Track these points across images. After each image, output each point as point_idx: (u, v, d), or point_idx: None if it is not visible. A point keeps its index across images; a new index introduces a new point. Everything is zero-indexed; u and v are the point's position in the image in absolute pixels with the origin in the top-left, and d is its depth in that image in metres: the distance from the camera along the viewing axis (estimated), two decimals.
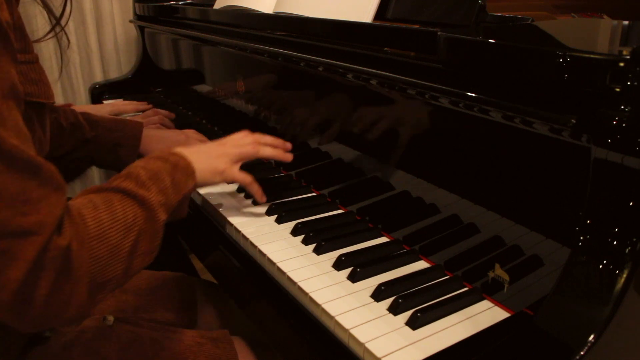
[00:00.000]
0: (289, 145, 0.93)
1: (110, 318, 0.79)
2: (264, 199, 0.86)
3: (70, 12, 0.70)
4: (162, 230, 0.67)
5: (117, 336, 0.78)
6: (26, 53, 0.60)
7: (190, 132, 1.16)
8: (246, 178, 0.84)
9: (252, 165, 1.11)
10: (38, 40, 0.68)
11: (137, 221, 0.63)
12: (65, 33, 0.74)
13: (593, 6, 1.04)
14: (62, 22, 0.70)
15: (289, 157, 0.91)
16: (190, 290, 1.00)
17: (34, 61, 0.61)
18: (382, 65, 0.78)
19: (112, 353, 0.77)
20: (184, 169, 0.74)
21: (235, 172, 0.83)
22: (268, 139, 0.90)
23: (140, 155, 1.08)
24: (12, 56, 0.53)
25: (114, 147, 1.05)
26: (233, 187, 1.00)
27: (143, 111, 1.43)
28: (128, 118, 1.21)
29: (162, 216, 0.67)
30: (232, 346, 0.82)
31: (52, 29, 0.69)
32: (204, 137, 1.16)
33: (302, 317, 0.68)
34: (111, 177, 0.68)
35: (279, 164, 1.11)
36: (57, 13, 0.69)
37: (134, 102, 1.49)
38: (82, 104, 1.76)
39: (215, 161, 0.81)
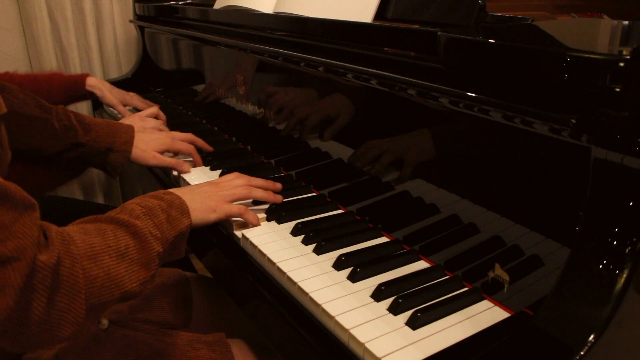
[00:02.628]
0: (279, 185, 0.95)
1: (105, 322, 0.79)
2: (260, 223, 0.86)
3: None
4: (158, 260, 0.68)
5: (112, 342, 0.78)
6: None
7: (176, 135, 1.13)
8: (240, 208, 0.85)
9: (252, 166, 1.11)
10: None
11: (129, 251, 0.63)
12: None
13: (593, 6, 1.04)
14: None
15: (279, 198, 0.92)
16: (185, 287, 1.00)
17: None
18: (382, 65, 0.78)
19: None
20: (178, 206, 0.75)
21: (227, 207, 0.84)
22: (259, 181, 0.92)
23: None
24: None
25: (106, 152, 1.05)
26: None
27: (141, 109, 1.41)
28: (121, 121, 1.19)
29: (157, 247, 0.67)
30: (229, 349, 0.82)
31: None
32: (193, 138, 1.13)
33: (302, 317, 0.68)
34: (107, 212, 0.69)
35: (279, 164, 1.11)
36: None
37: (147, 102, 1.47)
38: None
39: (208, 200, 0.82)
